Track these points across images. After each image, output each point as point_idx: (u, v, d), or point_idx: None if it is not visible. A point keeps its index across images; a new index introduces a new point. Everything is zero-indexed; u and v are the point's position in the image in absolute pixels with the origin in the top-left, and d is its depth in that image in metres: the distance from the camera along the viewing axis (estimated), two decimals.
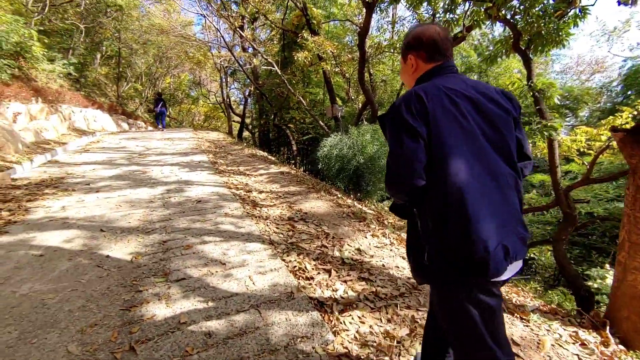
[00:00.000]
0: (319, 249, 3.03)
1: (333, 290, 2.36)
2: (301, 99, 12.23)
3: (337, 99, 14.13)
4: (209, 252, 2.79)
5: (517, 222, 1.06)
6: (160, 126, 15.57)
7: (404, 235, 3.84)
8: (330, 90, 12.62)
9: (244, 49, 19.82)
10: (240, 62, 16.78)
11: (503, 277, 1.04)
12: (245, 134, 26.04)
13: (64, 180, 5.08)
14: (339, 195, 5.16)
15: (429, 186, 1.05)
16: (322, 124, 12.19)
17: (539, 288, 6.70)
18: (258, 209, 4.05)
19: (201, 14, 12.61)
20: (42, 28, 14.99)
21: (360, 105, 12.23)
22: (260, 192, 4.85)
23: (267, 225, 3.51)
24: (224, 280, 2.37)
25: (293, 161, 16.45)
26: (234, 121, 24.10)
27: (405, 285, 2.50)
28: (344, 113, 12.94)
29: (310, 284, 2.41)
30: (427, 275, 1.13)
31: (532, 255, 9.46)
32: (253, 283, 2.34)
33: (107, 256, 2.71)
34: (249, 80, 21.45)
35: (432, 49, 1.22)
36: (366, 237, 3.40)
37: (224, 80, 20.38)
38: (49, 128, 9.56)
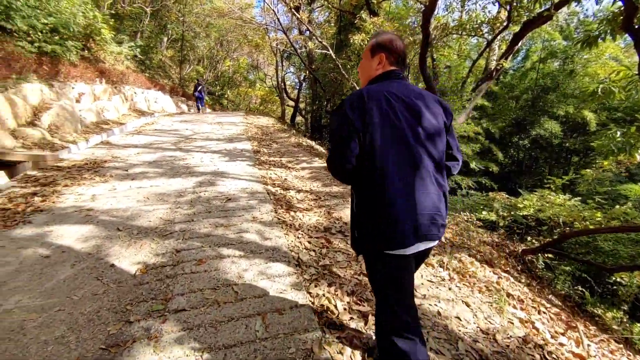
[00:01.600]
0: (356, 278, 2.43)
1: (368, 347, 1.76)
2: (355, 84, 11.45)
3: None
4: (222, 272, 2.33)
5: (433, 208, 1.25)
6: (199, 109, 16.31)
7: (471, 266, 3.08)
8: None
9: (301, 32, 19.33)
10: (296, 46, 16.34)
11: (412, 251, 1.26)
12: (299, 118, 25.87)
13: (106, 165, 5.03)
14: None
15: (361, 172, 1.28)
16: None
17: (623, 318, 5.51)
18: (292, 213, 3.53)
19: None
20: (113, 12, 15.83)
21: None
22: (299, 190, 4.33)
23: (299, 237, 2.98)
24: (230, 319, 1.88)
25: None
26: (288, 105, 24.00)
27: (470, 353, 1.82)
28: None
29: (339, 336, 1.83)
30: (357, 247, 1.38)
31: (618, 280, 7.95)
32: (265, 329, 1.82)
33: (112, 265, 2.37)
34: (300, 65, 21.02)
35: (400, 57, 1.42)
36: None
37: (279, 63, 20.14)
38: (110, 108, 9.97)
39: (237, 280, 2.25)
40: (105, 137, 7.75)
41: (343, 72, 11.44)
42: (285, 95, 22.50)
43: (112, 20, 14.88)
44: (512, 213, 8.42)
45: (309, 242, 2.91)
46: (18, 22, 7.54)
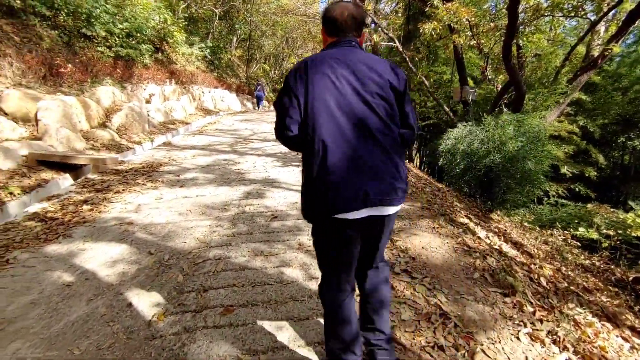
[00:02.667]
0: (427, 351, 1.74)
1: None
2: (424, 79, 10.38)
3: (468, 79, 11.65)
4: (250, 330, 1.82)
5: (384, 173, 1.22)
6: (257, 107, 16.63)
7: (589, 329, 2.17)
8: (460, 68, 10.38)
9: (365, 25, 18.47)
10: None
11: (356, 216, 1.20)
12: None
13: (161, 168, 4.93)
14: (468, 227, 3.57)
15: (306, 139, 1.23)
16: (446, 109, 10.16)
17: None
18: None
19: None
20: (186, 15, 16.66)
21: (499, 87, 9.66)
22: None
23: None
24: None
25: (408, 149, 14.74)
26: None
27: None
28: (477, 96, 10.51)
29: None
30: (304, 213, 1.31)
31: None
32: None
33: (130, 305, 2.01)
34: None
35: (332, 26, 1.35)
36: (517, 337, 1.93)
37: None
38: (177, 108, 10.32)
39: (267, 343, 1.72)
40: (170, 137, 7.93)
41: (410, 65, 10.44)
42: None
43: (186, 23, 15.67)
44: (619, 232, 6.79)
45: None
46: (97, 29, 8.01)
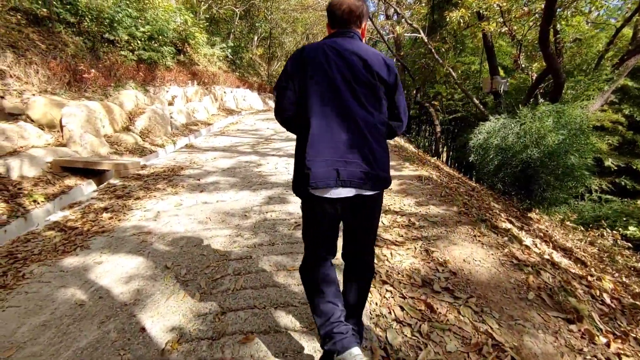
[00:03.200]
0: None
1: None
2: (451, 70, 9.85)
3: (499, 69, 10.96)
4: None
5: (359, 157, 1.29)
6: None
7: None
8: (490, 57, 9.75)
9: (388, 17, 17.90)
10: (382, 32, 15.09)
11: (334, 195, 1.29)
12: None
13: (182, 172, 4.83)
14: (512, 234, 3.20)
15: (299, 119, 1.36)
16: (476, 101, 9.60)
17: None
18: (376, 250, 2.66)
19: None
20: (207, 16, 16.74)
21: (534, 76, 8.98)
22: (385, 211, 3.41)
23: (386, 297, 2.09)
24: None
25: (434, 144, 14.14)
26: None
27: None
28: (508, 87, 9.86)
29: None
30: (293, 189, 1.43)
31: None
32: None
33: (143, 329, 1.84)
34: (390, 52, 19.55)
35: (332, 18, 1.42)
36: None
37: None
38: (200, 109, 10.33)
39: None
40: (193, 138, 7.90)
41: (437, 56, 9.93)
42: None
43: (207, 24, 15.73)
44: None
45: (402, 308, 2.00)
46: (120, 33, 8.07)
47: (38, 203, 3.74)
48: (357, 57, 1.31)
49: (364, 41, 1.43)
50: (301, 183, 1.32)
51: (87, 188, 4.44)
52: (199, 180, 4.40)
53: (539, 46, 6.65)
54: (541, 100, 8.67)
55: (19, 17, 6.38)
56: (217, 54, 14.40)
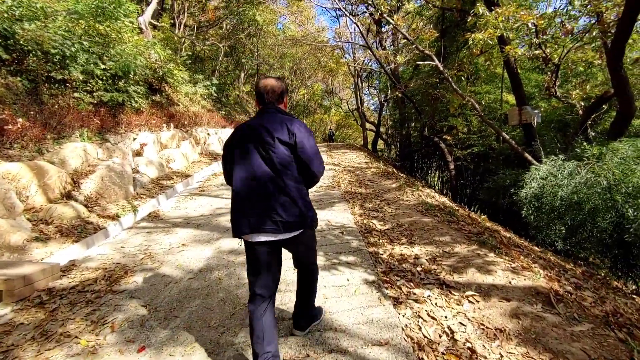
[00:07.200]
0: None
1: None
2: (473, 101, 8.43)
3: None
4: None
5: (266, 208, 1.61)
6: None
7: None
8: (517, 86, 8.41)
9: (384, 48, 16.97)
10: (377, 64, 13.97)
11: (254, 239, 1.65)
12: (379, 142, 23.19)
13: (123, 283, 2.95)
14: None
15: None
16: (506, 136, 8.09)
17: None
18: None
19: (338, 8, 10.24)
20: (190, 53, 15.45)
21: (578, 104, 7.57)
22: None
23: None
24: None
25: (449, 183, 12.53)
26: (368, 130, 21.62)
27: None
28: (540, 118, 8.44)
29: None
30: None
31: None
32: None
33: None
34: (384, 85, 18.50)
35: (257, 97, 1.84)
36: None
37: (359, 86, 17.94)
38: (177, 157, 8.57)
39: None
40: (163, 200, 6.07)
41: (455, 86, 8.54)
42: (364, 119, 20.13)
43: (190, 61, 14.39)
44: None
45: None
46: (73, 71, 6.43)
47: None
48: (264, 129, 1.66)
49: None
50: (233, 229, 1.71)
51: None
52: (145, 307, 2.51)
53: (608, 68, 5.22)
54: (592, 133, 7.22)
55: None
56: (200, 92, 12.90)
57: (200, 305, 2.48)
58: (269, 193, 1.60)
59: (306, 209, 1.69)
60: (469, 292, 2.40)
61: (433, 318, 2.16)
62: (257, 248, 1.67)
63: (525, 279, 2.51)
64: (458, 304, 2.31)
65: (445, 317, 2.18)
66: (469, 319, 2.14)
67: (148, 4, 12.42)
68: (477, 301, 2.31)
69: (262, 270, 1.71)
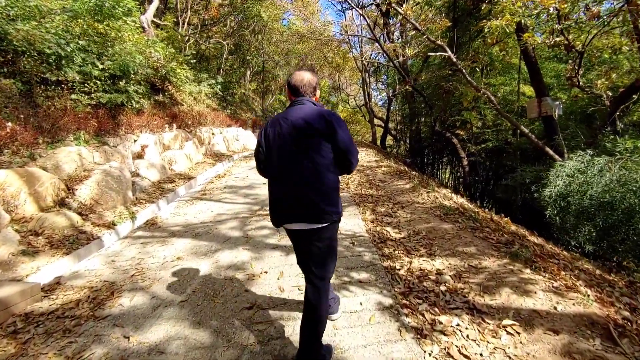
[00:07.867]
0: None
1: None
2: (489, 94, 7.92)
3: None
4: None
5: (303, 197, 1.68)
6: None
7: None
8: (535, 76, 7.89)
9: (392, 41, 16.41)
10: (385, 58, 13.48)
11: (291, 227, 1.77)
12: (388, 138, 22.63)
13: (109, 306, 2.63)
14: None
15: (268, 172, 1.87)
16: (525, 130, 7.57)
17: None
18: None
19: (344, 0, 9.78)
20: (194, 52, 15.19)
21: (605, 94, 7.02)
22: None
23: None
24: None
25: (463, 179, 12.02)
26: (376, 126, 21.10)
27: None
28: (562, 110, 7.89)
29: None
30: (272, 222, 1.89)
31: None
32: None
33: None
34: (392, 79, 17.97)
35: (291, 90, 1.91)
36: None
37: (366, 81, 17.45)
38: (179, 159, 8.29)
39: None
40: (163, 205, 5.78)
41: (469, 78, 8.04)
42: (372, 115, 19.62)
43: (195, 60, 14.10)
44: None
45: None
46: (69, 72, 6.17)
47: None
48: (302, 119, 1.72)
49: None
50: (272, 217, 1.84)
51: None
52: (128, 339, 2.18)
53: None
54: (620, 125, 6.68)
55: None
56: (204, 91, 12.60)
57: (190, 338, 2.14)
58: (312, 182, 1.67)
59: (336, 201, 1.76)
60: (507, 321, 2.00)
61: (466, 357, 1.77)
62: (293, 235, 1.82)
63: (573, 303, 2.10)
64: (494, 336, 1.92)
65: (481, 354, 1.80)
66: (510, 358, 1.75)
67: (150, 3, 12.14)
68: (518, 333, 1.92)
69: (303, 255, 1.86)
